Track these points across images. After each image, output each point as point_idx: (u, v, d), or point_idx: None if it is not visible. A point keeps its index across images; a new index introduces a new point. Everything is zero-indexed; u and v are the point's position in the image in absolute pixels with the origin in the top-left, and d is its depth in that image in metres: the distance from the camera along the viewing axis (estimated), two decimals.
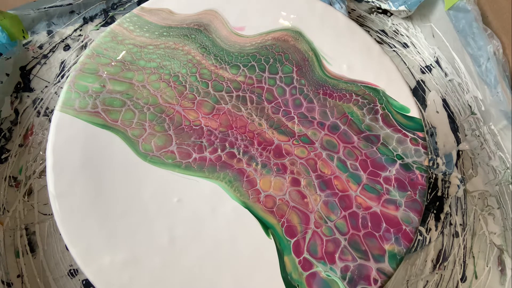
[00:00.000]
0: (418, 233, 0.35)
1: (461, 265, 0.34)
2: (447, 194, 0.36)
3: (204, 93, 0.27)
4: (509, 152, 0.34)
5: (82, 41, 0.39)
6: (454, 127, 0.38)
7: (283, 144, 0.26)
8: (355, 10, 0.42)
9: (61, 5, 0.38)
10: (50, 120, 0.36)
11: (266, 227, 0.24)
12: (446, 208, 0.36)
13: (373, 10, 0.42)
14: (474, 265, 0.34)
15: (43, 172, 0.34)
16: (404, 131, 0.26)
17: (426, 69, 0.41)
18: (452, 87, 0.39)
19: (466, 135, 0.38)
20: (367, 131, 0.26)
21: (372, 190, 0.24)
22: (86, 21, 0.40)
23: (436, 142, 0.38)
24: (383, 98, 0.27)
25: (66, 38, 0.39)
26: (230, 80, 0.27)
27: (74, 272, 0.32)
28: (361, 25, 0.42)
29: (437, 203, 0.36)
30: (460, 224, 0.35)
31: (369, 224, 0.24)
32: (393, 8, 0.41)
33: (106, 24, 0.40)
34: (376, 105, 0.27)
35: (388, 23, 0.42)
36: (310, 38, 0.28)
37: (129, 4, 0.40)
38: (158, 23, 0.29)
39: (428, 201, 0.36)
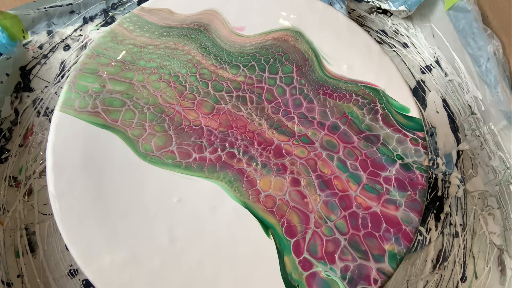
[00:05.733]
0: (418, 233, 0.35)
1: (461, 265, 0.34)
2: (447, 194, 0.36)
3: (204, 93, 0.27)
4: (509, 152, 0.34)
5: (82, 41, 0.39)
6: (454, 127, 0.38)
7: (283, 144, 0.26)
8: (355, 10, 0.42)
9: (61, 5, 0.38)
10: (50, 120, 0.36)
11: (266, 227, 0.24)
12: (446, 208, 0.36)
13: (373, 10, 0.42)
14: (474, 265, 0.34)
15: (43, 172, 0.34)
16: (404, 131, 0.26)
17: (426, 69, 0.41)
18: (452, 87, 0.39)
19: (466, 135, 0.38)
20: (367, 131, 0.26)
21: (372, 190, 0.24)
22: (86, 21, 0.40)
23: (436, 142, 0.38)
24: (383, 98, 0.27)
25: (66, 38, 0.39)
26: (230, 80, 0.27)
27: (74, 272, 0.32)
28: (361, 25, 0.42)
29: (437, 203, 0.36)
30: (460, 224, 0.35)
31: (369, 224, 0.24)
32: (393, 8, 0.41)
33: (106, 24, 0.40)
34: (376, 105, 0.27)
35: (388, 23, 0.42)
36: (310, 38, 0.28)
37: (129, 4, 0.40)
38: (158, 23, 0.29)
39: (428, 201, 0.36)
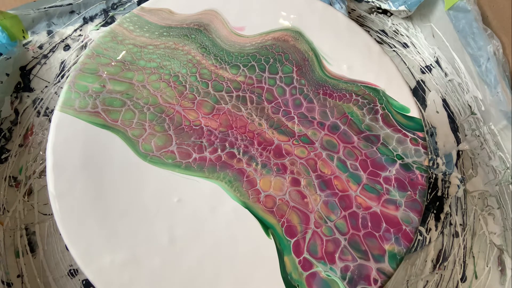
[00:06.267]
0: (418, 233, 0.35)
1: (461, 265, 0.34)
2: (447, 194, 0.36)
3: (204, 93, 0.27)
4: (509, 152, 0.34)
5: (82, 41, 0.39)
6: (454, 127, 0.38)
7: (283, 144, 0.26)
8: (355, 10, 0.42)
9: (61, 5, 0.38)
10: (50, 120, 0.36)
11: (266, 227, 0.24)
12: (446, 208, 0.36)
13: (373, 10, 0.42)
14: (474, 265, 0.34)
15: (43, 172, 0.34)
16: (404, 131, 0.26)
17: (426, 69, 0.41)
18: (452, 87, 0.39)
19: (466, 135, 0.38)
20: (367, 131, 0.26)
21: (372, 190, 0.24)
22: (86, 21, 0.40)
23: (436, 142, 0.38)
24: (383, 98, 0.27)
25: (66, 38, 0.39)
26: (230, 80, 0.27)
27: (74, 272, 0.32)
28: (361, 25, 0.42)
29: (437, 203, 0.36)
30: (460, 224, 0.35)
31: (369, 224, 0.24)
32: (393, 8, 0.41)
33: (106, 24, 0.40)
34: (376, 105, 0.27)
35: (388, 23, 0.42)
36: (310, 38, 0.28)
37: (129, 4, 0.40)
38: (158, 23, 0.29)
39: (428, 201, 0.36)
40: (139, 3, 0.39)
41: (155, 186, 0.24)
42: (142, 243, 0.23)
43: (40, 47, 0.38)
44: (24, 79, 0.37)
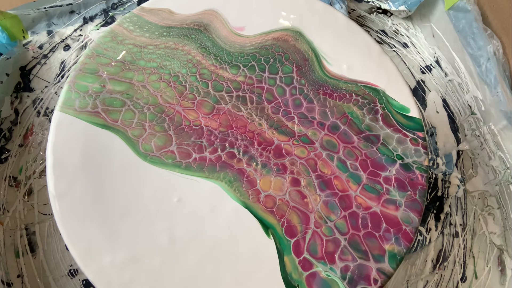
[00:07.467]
0: (418, 233, 0.35)
1: (461, 265, 0.34)
2: (447, 194, 0.36)
3: (204, 93, 0.27)
4: (509, 152, 0.34)
5: (82, 41, 0.39)
6: (454, 127, 0.38)
7: (283, 144, 0.26)
8: (355, 10, 0.42)
9: (61, 5, 0.38)
10: (50, 120, 0.36)
11: (266, 227, 0.24)
12: (446, 208, 0.36)
13: (373, 10, 0.42)
14: (474, 265, 0.34)
15: (43, 172, 0.34)
16: (404, 131, 0.26)
17: (426, 69, 0.41)
18: (452, 87, 0.39)
19: (466, 135, 0.38)
20: (367, 131, 0.26)
21: (372, 190, 0.24)
22: (86, 21, 0.40)
23: (436, 142, 0.38)
24: (383, 98, 0.27)
25: (66, 38, 0.39)
26: (230, 80, 0.27)
27: (74, 272, 0.32)
28: (361, 25, 0.42)
29: (437, 203, 0.36)
30: (460, 224, 0.35)
31: (369, 224, 0.24)
32: (393, 8, 0.41)
33: (106, 24, 0.40)
34: (376, 105, 0.27)
35: (388, 23, 0.42)
36: (310, 38, 0.28)
37: (129, 4, 0.40)
38: (158, 23, 0.29)
39: (428, 201, 0.36)
40: (139, 3, 0.39)
41: (155, 186, 0.24)
42: (142, 243, 0.23)
43: (40, 47, 0.38)
44: (24, 79, 0.37)
